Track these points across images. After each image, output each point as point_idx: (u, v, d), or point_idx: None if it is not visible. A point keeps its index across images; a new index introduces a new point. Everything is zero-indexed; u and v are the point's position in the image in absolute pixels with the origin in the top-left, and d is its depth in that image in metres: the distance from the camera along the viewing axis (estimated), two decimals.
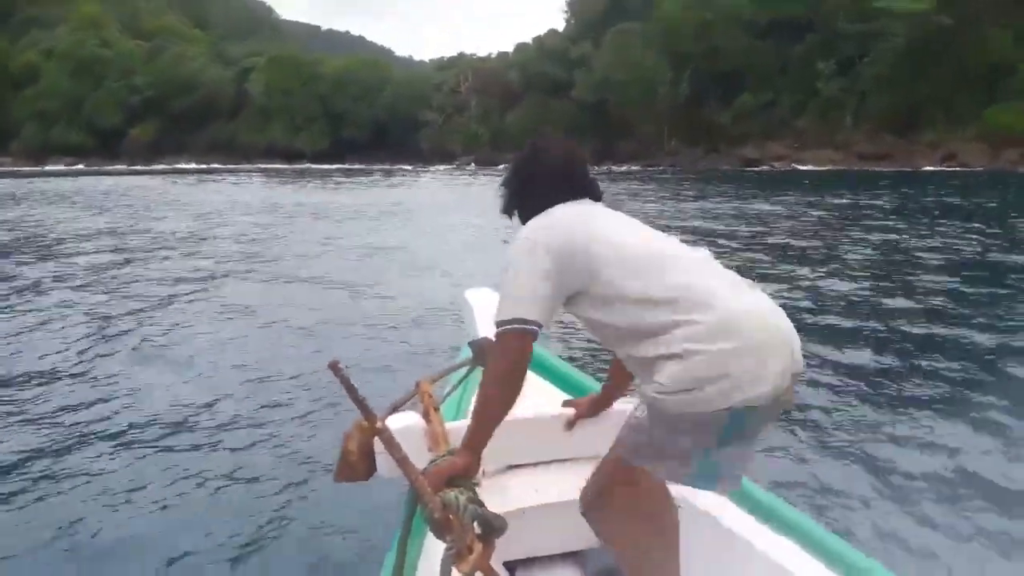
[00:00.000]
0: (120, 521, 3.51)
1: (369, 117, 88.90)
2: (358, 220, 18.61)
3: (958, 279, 9.34)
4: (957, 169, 44.25)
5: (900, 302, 8.04)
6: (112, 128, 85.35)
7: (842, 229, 15.05)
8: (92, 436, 4.53)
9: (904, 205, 21.09)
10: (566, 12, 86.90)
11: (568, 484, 2.18)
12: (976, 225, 15.44)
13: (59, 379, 5.71)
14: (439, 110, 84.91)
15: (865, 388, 5.19)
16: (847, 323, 7.16)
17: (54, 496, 3.76)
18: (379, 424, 1.70)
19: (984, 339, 6.38)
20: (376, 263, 11.65)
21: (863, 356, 6.01)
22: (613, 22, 71.12)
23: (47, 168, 69.35)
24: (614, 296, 1.72)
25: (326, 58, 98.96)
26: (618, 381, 2.31)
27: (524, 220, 1.96)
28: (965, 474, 3.82)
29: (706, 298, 1.64)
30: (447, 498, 1.62)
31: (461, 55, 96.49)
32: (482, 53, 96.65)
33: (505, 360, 1.76)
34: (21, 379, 5.70)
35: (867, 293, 8.58)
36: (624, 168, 56.47)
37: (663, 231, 1.92)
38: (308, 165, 75.17)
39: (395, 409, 2.15)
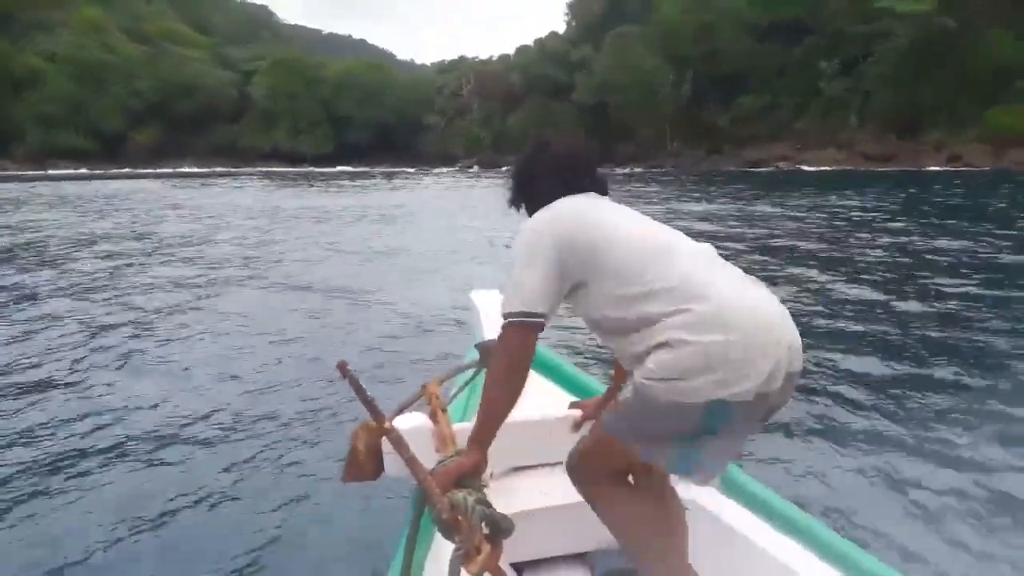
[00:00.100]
0: (126, 522, 3.48)
1: (372, 120, 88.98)
2: (361, 223, 18.54)
3: (971, 281, 9.18)
4: (962, 169, 44.08)
5: (913, 305, 7.91)
6: (114, 132, 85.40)
7: (852, 231, 14.92)
8: (95, 438, 4.51)
9: (913, 206, 20.97)
10: (567, 15, 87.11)
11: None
12: (987, 226, 15.31)
13: (60, 384, 5.63)
14: (441, 113, 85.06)
15: (875, 392, 5.08)
16: (859, 327, 7.03)
17: (57, 499, 3.73)
18: (387, 424, 1.70)
19: (1000, 343, 6.25)
20: (380, 266, 11.59)
21: (874, 359, 5.89)
22: (612, 25, 71.22)
23: (49, 172, 69.28)
24: (614, 287, 1.72)
25: (328, 62, 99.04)
26: (623, 382, 2.27)
27: (531, 213, 1.97)
28: (979, 481, 3.71)
29: (703, 290, 1.63)
30: (455, 499, 1.63)
31: (462, 58, 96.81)
32: (483, 56, 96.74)
33: (510, 352, 1.77)
34: (20, 385, 5.61)
35: (880, 295, 8.46)
36: (626, 170, 56.41)
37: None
38: (311, 168, 75.19)
39: (402, 410, 2.16)
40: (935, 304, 7.92)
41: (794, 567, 1.86)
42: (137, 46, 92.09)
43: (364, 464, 1.89)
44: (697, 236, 1.93)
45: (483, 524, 1.61)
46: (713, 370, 1.56)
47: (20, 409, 5.12)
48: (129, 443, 4.45)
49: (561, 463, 2.31)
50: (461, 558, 1.55)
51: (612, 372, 2.32)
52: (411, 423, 2.06)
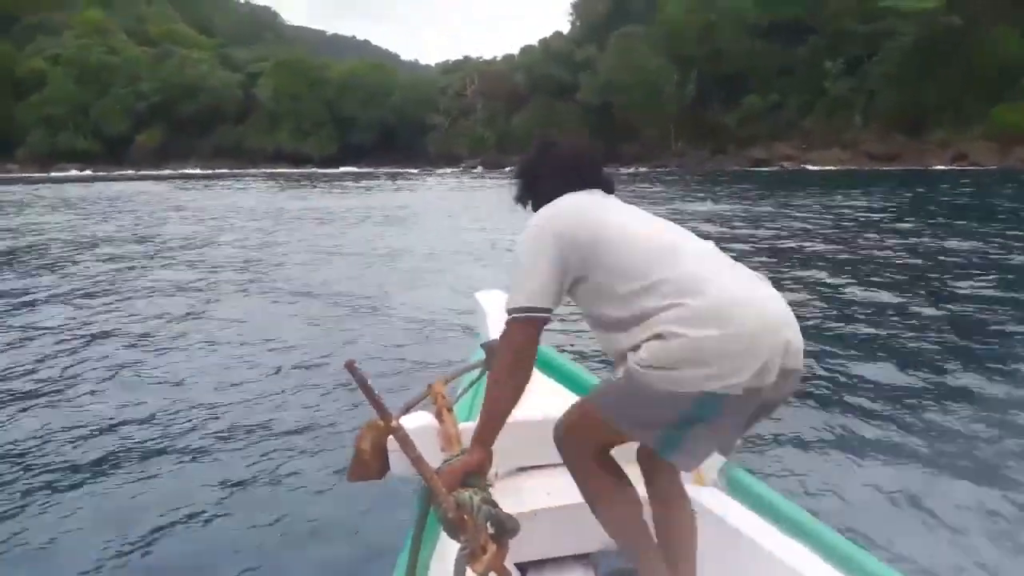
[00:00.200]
0: (130, 521, 3.49)
1: (376, 121, 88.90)
2: (365, 225, 18.48)
3: (985, 283, 9.05)
4: (969, 168, 43.84)
5: (927, 308, 7.79)
6: (119, 134, 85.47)
7: (860, 231, 14.82)
8: (97, 438, 4.52)
9: (922, 205, 20.83)
10: (571, 14, 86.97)
11: None
12: (997, 225, 15.21)
13: (64, 383, 5.66)
14: (445, 113, 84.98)
15: (889, 399, 4.99)
16: (872, 330, 6.92)
17: (59, 499, 3.74)
18: (394, 423, 1.69)
19: (1019, 348, 6.12)
20: (384, 267, 11.55)
21: (887, 364, 5.80)
22: (617, 25, 71.09)
23: (53, 174, 69.34)
24: (615, 284, 1.73)
25: (332, 63, 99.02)
26: None
27: (536, 209, 1.97)
28: (1000, 495, 3.60)
29: (701, 285, 1.64)
30: (461, 498, 1.63)
31: (467, 58, 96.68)
32: (487, 56, 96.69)
33: (514, 347, 1.78)
34: (18, 391, 5.57)
35: (892, 298, 8.34)
36: (631, 170, 56.30)
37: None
38: (315, 169, 75.13)
39: (408, 409, 2.15)
40: (949, 307, 7.79)
41: (800, 569, 1.85)
42: (140, 48, 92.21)
43: (370, 463, 1.89)
44: (703, 237, 1.87)
45: (488, 524, 1.61)
46: (706, 363, 1.57)
47: (21, 413, 5.06)
48: (130, 443, 4.44)
49: None
50: (467, 557, 1.56)
51: None
52: (417, 422, 2.06)
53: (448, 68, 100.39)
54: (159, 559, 3.21)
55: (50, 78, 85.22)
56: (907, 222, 16.45)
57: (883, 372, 5.55)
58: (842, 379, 5.35)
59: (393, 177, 54.04)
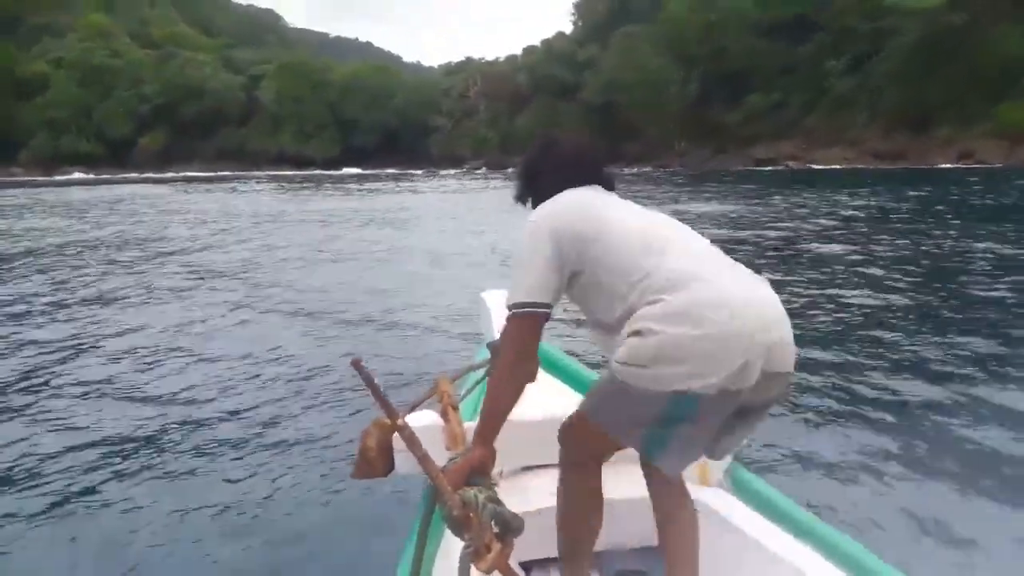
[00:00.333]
0: (131, 519, 3.50)
1: (378, 123, 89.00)
2: (369, 227, 18.38)
3: (1004, 285, 8.78)
4: (975, 166, 43.59)
5: (944, 312, 7.59)
6: (122, 137, 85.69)
7: (869, 232, 14.61)
8: (101, 436, 4.52)
9: (931, 204, 20.52)
10: (573, 14, 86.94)
11: None
12: (1009, 224, 14.95)
13: (69, 379, 5.67)
14: (448, 115, 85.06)
15: (897, 399, 4.88)
16: (885, 333, 6.70)
17: (60, 498, 3.71)
18: (400, 421, 1.70)
19: None
20: (389, 268, 11.49)
21: (898, 365, 5.66)
22: (619, 24, 71.03)
23: (56, 178, 69.42)
24: (607, 283, 1.74)
25: (335, 65, 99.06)
26: None
27: (535, 207, 1.98)
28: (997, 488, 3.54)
29: (684, 283, 1.63)
30: (466, 496, 1.63)
31: (469, 60, 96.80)
32: (489, 57, 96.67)
33: (515, 343, 1.79)
34: (25, 392, 5.53)
35: (906, 300, 8.15)
36: (634, 170, 56.19)
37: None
38: (318, 172, 75.15)
39: (414, 408, 2.16)
40: (965, 310, 7.57)
41: (804, 570, 1.85)
42: (143, 50, 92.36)
43: (375, 461, 1.90)
44: (706, 236, 1.84)
45: (493, 522, 1.62)
46: (680, 361, 1.57)
47: (31, 403, 5.13)
48: (130, 442, 4.43)
49: None
50: (471, 555, 1.56)
51: None
52: (423, 421, 2.07)
53: (451, 69, 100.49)
54: (162, 555, 3.21)
55: (53, 81, 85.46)
56: (918, 222, 16.28)
57: (895, 376, 5.40)
58: (853, 384, 5.21)
59: (396, 179, 53.98)
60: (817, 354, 5.91)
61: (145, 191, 39.67)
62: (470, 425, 2.09)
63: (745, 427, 1.80)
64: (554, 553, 2.23)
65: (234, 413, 4.91)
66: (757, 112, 61.87)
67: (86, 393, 5.42)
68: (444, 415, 2.15)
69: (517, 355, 1.80)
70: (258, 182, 50.82)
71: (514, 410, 1.89)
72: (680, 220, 1.94)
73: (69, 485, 3.84)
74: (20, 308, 8.69)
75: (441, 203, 28.47)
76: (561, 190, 1.94)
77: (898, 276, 9.56)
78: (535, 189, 2.05)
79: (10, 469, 4.09)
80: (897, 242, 12.77)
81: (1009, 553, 3.05)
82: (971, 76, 48.93)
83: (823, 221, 16.45)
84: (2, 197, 34.91)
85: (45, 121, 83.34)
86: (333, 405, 5.00)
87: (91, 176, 71.71)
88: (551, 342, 3.45)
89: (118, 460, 4.15)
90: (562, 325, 5.93)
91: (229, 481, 3.91)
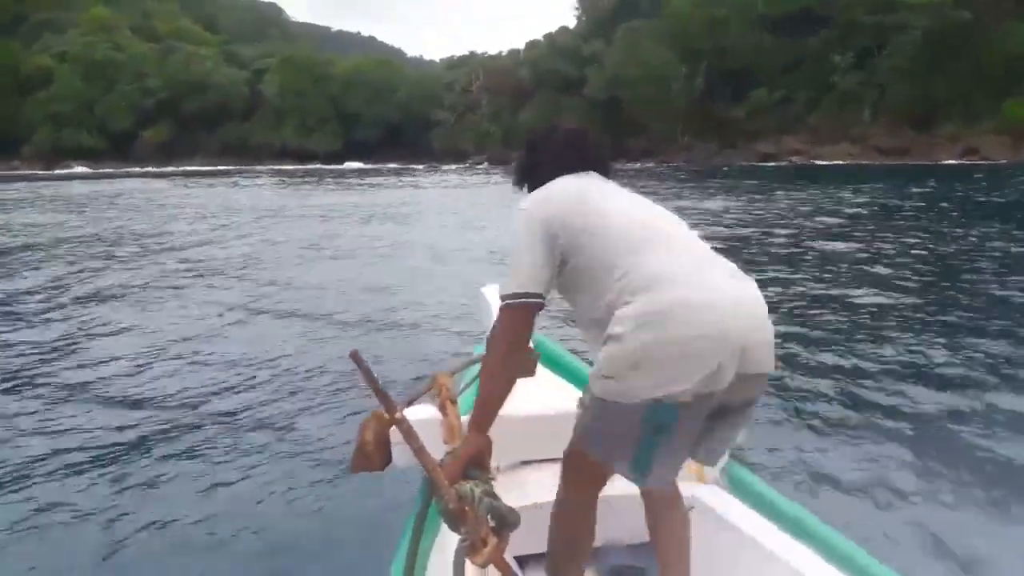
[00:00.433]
0: (129, 513, 3.49)
1: (381, 117, 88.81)
2: (370, 222, 18.30)
3: (1011, 283, 8.63)
4: (979, 163, 43.36)
5: (954, 314, 7.36)
6: (124, 131, 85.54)
7: (876, 230, 14.45)
8: (91, 435, 4.48)
9: (937, 202, 20.30)
10: (577, 9, 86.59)
11: None
12: (1019, 222, 14.78)
13: (60, 378, 5.61)
14: (451, 109, 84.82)
15: (901, 398, 4.79)
16: (895, 335, 6.53)
17: (49, 500, 3.66)
18: (398, 414, 1.70)
19: None
20: (389, 263, 11.49)
21: (902, 363, 5.58)
22: (623, 19, 70.74)
23: (57, 171, 69.32)
24: (588, 272, 1.73)
25: (338, 59, 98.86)
26: None
27: (532, 192, 1.97)
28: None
29: (659, 283, 1.61)
30: (463, 490, 1.63)
31: (472, 54, 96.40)
32: (492, 52, 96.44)
33: (508, 334, 1.78)
34: (26, 383, 5.55)
35: (915, 299, 8.02)
36: (637, 165, 56.00)
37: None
38: (320, 166, 75.06)
39: (412, 401, 2.17)
40: (975, 312, 7.37)
41: (800, 568, 1.85)
42: (147, 44, 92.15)
43: (372, 454, 1.90)
44: (708, 235, 1.68)
45: (489, 516, 1.62)
46: (651, 368, 1.56)
47: (31, 401, 5.10)
48: (123, 439, 4.41)
49: None
50: (466, 549, 1.56)
51: None
52: (420, 414, 2.07)
53: (453, 64, 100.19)
54: (157, 553, 3.19)
55: (56, 75, 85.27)
56: (922, 218, 16.17)
57: (900, 378, 5.28)
58: (857, 386, 5.11)
59: (398, 174, 53.97)
60: (820, 355, 5.82)
61: (145, 186, 39.60)
62: (468, 419, 2.05)
63: (728, 427, 1.77)
64: None
65: (230, 409, 4.89)
66: (762, 108, 61.62)
67: (76, 392, 5.34)
68: (442, 409, 2.15)
69: (509, 346, 1.79)
70: (260, 176, 50.78)
71: (512, 405, 1.88)
72: (679, 216, 1.88)
73: (59, 486, 3.78)
74: (10, 307, 8.59)
75: (442, 198, 28.41)
76: (557, 176, 1.94)
77: (902, 274, 9.43)
78: (532, 175, 2.04)
79: None
80: (900, 240, 12.61)
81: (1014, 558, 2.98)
82: (977, 72, 48.77)
83: (825, 218, 16.36)
84: (1, 191, 34.79)
85: (48, 115, 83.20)
86: (331, 400, 4.98)
87: (92, 170, 71.54)
88: (551, 338, 3.39)
89: (109, 458, 4.10)
90: (561, 321, 5.85)
91: (223, 470, 3.91)
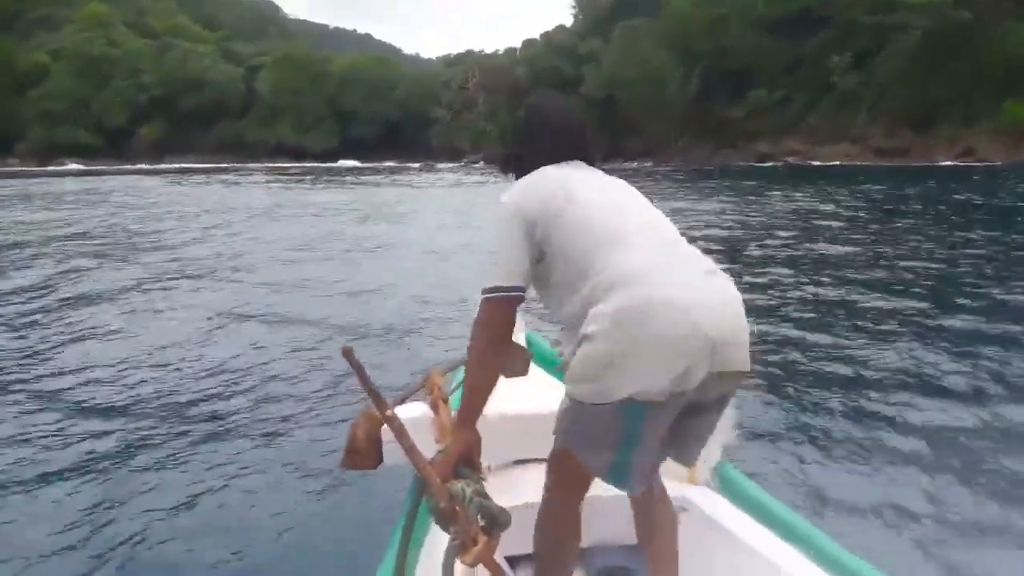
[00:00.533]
0: (120, 513, 3.48)
1: (377, 115, 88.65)
2: (365, 221, 18.20)
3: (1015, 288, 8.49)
4: (976, 164, 43.24)
5: (960, 320, 7.10)
6: (119, 128, 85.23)
7: (875, 229, 14.37)
8: (79, 434, 4.46)
9: (937, 203, 20.05)
10: (574, 7, 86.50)
11: None
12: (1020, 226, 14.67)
13: (47, 378, 5.58)
14: (448, 107, 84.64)
15: (899, 404, 4.72)
16: (907, 344, 6.28)
17: (53, 495, 3.68)
18: (389, 412, 1.70)
19: None
20: (384, 262, 11.45)
21: (901, 369, 5.47)
22: (621, 18, 70.62)
23: (51, 168, 68.93)
24: (563, 267, 1.72)
25: (334, 56, 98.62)
26: None
27: (518, 179, 1.96)
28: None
29: (630, 281, 1.60)
30: (453, 489, 1.64)
31: (469, 52, 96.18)
32: (490, 50, 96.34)
33: (487, 328, 1.78)
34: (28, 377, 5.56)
35: (920, 304, 7.82)
36: (635, 165, 55.89)
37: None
38: (315, 164, 74.82)
39: (404, 399, 2.17)
40: (982, 321, 7.04)
41: (789, 570, 1.85)
42: (142, 40, 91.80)
43: (364, 452, 1.91)
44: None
45: (480, 516, 1.61)
46: (622, 368, 1.55)
47: (24, 398, 5.10)
48: (114, 434, 4.40)
49: None
50: (456, 548, 1.56)
51: None
52: (412, 413, 2.07)
53: (450, 62, 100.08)
54: (144, 550, 3.17)
55: (52, 71, 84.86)
56: (921, 221, 16.02)
57: (900, 384, 5.17)
58: (853, 390, 5.03)
59: (394, 172, 54.02)
60: (816, 359, 5.76)
61: (139, 183, 39.28)
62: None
63: (702, 426, 1.77)
64: None
65: (218, 409, 4.87)
66: (760, 108, 61.46)
67: (60, 395, 5.28)
68: (434, 408, 2.15)
69: (489, 340, 1.78)
70: (254, 174, 50.54)
71: (505, 404, 1.92)
72: (674, 216, 1.81)
73: (44, 492, 3.73)
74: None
75: (437, 197, 28.35)
76: (541, 165, 1.91)
77: (901, 277, 9.30)
78: (518, 163, 2.01)
79: None
80: (899, 242, 12.47)
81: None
82: (976, 73, 48.66)
83: (823, 220, 16.16)
84: None
85: (43, 111, 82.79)
86: (321, 400, 4.95)
87: (86, 167, 71.10)
88: (543, 335, 3.28)
89: (93, 463, 4.04)
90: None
91: (211, 469, 3.89)
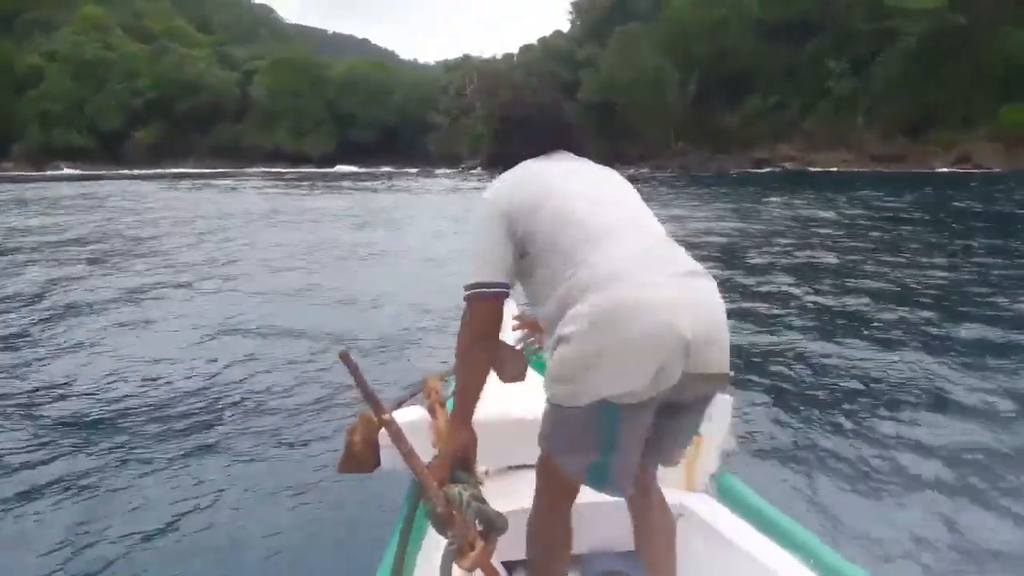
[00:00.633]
0: (116, 514, 3.48)
1: (375, 120, 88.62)
2: (363, 227, 18.16)
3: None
4: (973, 171, 43.22)
5: (967, 329, 7.01)
6: (115, 131, 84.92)
7: (874, 236, 14.27)
8: (86, 431, 4.53)
9: (936, 211, 20.05)
10: (571, 13, 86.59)
11: None
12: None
13: (44, 386, 5.55)
14: (445, 113, 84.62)
15: (902, 420, 4.65)
16: (918, 356, 6.18)
17: (35, 513, 3.61)
18: (387, 416, 1.71)
19: None
20: (380, 267, 11.47)
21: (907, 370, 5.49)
22: (618, 23, 70.66)
23: (46, 173, 68.69)
24: (543, 265, 1.70)
25: (332, 61, 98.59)
26: None
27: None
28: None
29: (607, 281, 1.58)
30: (451, 493, 1.64)
31: (467, 57, 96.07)
32: (487, 55, 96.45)
33: (472, 325, 1.77)
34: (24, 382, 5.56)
35: (928, 313, 7.71)
36: (632, 170, 55.84)
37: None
38: (312, 169, 74.70)
39: (401, 404, 2.18)
40: (986, 330, 6.94)
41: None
42: (138, 44, 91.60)
43: (361, 456, 1.91)
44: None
45: (477, 520, 1.61)
46: (596, 370, 1.54)
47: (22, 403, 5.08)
48: (117, 438, 4.39)
49: None
50: (454, 553, 1.55)
51: None
52: (409, 416, 2.07)
53: (448, 67, 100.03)
54: (140, 553, 3.16)
55: (47, 74, 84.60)
56: (920, 228, 15.94)
57: (903, 395, 5.10)
58: (854, 399, 5.00)
59: (391, 177, 53.94)
60: (820, 368, 5.71)
61: (134, 188, 39.11)
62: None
63: (682, 426, 1.76)
64: None
65: (213, 415, 4.86)
66: (756, 114, 61.57)
67: (44, 406, 5.15)
68: (432, 412, 2.15)
69: (474, 337, 1.77)
70: (251, 180, 50.38)
71: (502, 410, 1.93)
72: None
73: (33, 504, 3.66)
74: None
75: (435, 203, 28.22)
76: (523, 159, 1.88)
77: (901, 284, 9.26)
78: (503, 157, 1.97)
79: None
80: (897, 249, 12.42)
81: None
82: (973, 79, 48.72)
83: (819, 227, 16.07)
84: None
85: (38, 114, 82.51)
86: (318, 405, 4.94)
87: (82, 172, 70.84)
88: None
89: (76, 476, 3.97)
90: None
91: (207, 473, 3.90)
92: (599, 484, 1.72)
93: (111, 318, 7.90)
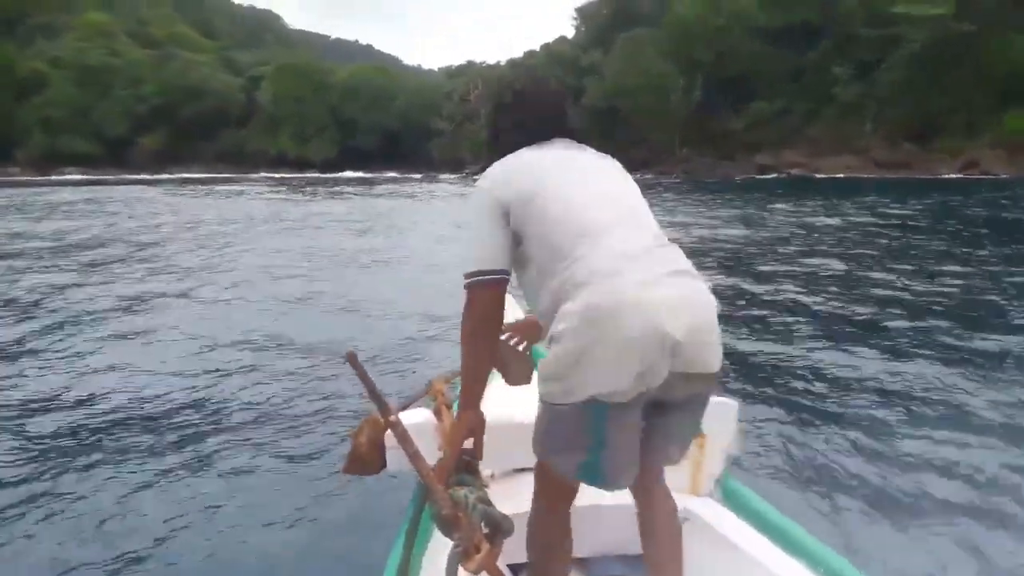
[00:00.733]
0: (119, 516, 3.48)
1: (379, 125, 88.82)
2: (367, 232, 18.05)
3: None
4: (981, 177, 43.06)
5: (980, 341, 6.79)
6: (119, 137, 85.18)
7: (881, 243, 14.12)
8: (88, 433, 4.53)
9: (944, 217, 19.83)
10: (575, 19, 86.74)
11: None
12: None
13: (38, 395, 5.46)
14: (449, 119, 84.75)
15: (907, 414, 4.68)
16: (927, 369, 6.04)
17: (52, 504, 3.64)
18: (393, 418, 1.71)
19: None
20: (385, 271, 11.52)
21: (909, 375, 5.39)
22: (622, 29, 70.71)
23: (52, 177, 68.83)
24: (537, 259, 1.70)
25: (335, 66, 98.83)
26: None
27: None
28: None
29: (596, 279, 1.58)
30: (456, 496, 1.63)
31: (471, 63, 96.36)
32: (491, 61, 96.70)
33: (472, 313, 1.76)
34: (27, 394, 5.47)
35: (940, 322, 7.55)
36: (636, 176, 55.36)
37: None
38: (316, 175, 74.85)
39: (407, 405, 2.18)
40: (994, 338, 6.79)
41: None
42: (143, 50, 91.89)
43: (366, 457, 1.91)
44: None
45: (483, 523, 1.60)
46: (583, 367, 1.54)
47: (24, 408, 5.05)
48: (118, 440, 4.40)
49: None
50: (459, 555, 1.55)
51: None
52: (416, 418, 2.06)
53: (452, 73, 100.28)
54: (143, 556, 3.15)
55: (51, 80, 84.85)
56: (934, 235, 15.79)
57: (913, 404, 4.96)
58: (860, 407, 4.90)
59: (395, 183, 53.96)
60: (825, 376, 5.59)
61: (139, 193, 39.11)
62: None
63: (672, 425, 1.74)
64: None
65: (222, 406, 4.94)
66: (761, 119, 61.51)
67: (36, 415, 5.02)
68: (438, 414, 2.13)
69: (475, 323, 1.76)
70: (255, 185, 50.45)
71: (507, 413, 1.93)
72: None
73: (22, 520, 3.54)
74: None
75: (439, 209, 28.15)
76: (519, 147, 1.86)
77: (906, 291, 9.07)
78: (498, 146, 1.95)
79: None
80: (907, 257, 12.24)
81: None
82: (978, 85, 48.64)
83: (824, 235, 15.91)
84: None
85: (42, 121, 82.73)
86: (323, 407, 4.95)
87: (86, 177, 70.95)
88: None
89: (92, 462, 4.06)
90: None
91: (213, 473, 3.91)
92: (593, 480, 1.71)
93: (110, 325, 7.79)
